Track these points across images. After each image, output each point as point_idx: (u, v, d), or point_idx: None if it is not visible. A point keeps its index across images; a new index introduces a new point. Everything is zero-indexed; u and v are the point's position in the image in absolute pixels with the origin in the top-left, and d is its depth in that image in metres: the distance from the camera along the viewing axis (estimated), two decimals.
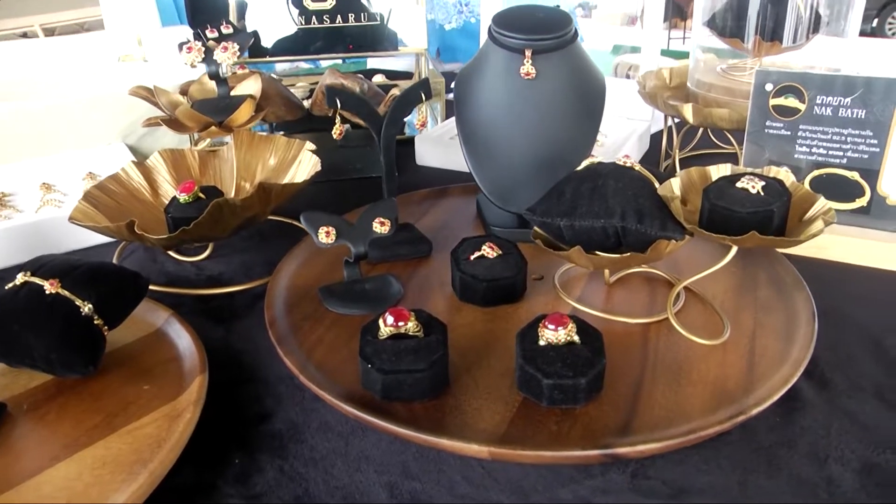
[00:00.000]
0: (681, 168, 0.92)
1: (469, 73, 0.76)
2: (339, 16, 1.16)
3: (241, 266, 0.78)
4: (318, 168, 0.73)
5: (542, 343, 0.52)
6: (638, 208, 0.58)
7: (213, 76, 0.78)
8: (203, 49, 0.77)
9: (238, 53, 0.77)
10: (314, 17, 1.14)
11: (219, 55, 0.77)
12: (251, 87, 0.81)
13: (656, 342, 0.59)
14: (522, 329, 0.54)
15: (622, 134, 1.07)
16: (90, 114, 0.97)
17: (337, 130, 0.69)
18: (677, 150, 0.95)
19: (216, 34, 1.13)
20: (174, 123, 0.77)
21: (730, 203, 0.55)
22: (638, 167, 0.61)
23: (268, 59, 1.20)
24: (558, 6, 0.79)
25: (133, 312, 0.63)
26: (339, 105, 0.69)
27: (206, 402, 0.54)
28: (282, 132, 1.00)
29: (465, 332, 0.62)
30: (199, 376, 0.56)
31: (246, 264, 0.78)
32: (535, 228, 0.65)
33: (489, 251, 0.66)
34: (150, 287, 0.72)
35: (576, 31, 0.73)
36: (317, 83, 0.96)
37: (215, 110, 0.77)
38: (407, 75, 1.20)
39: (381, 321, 0.54)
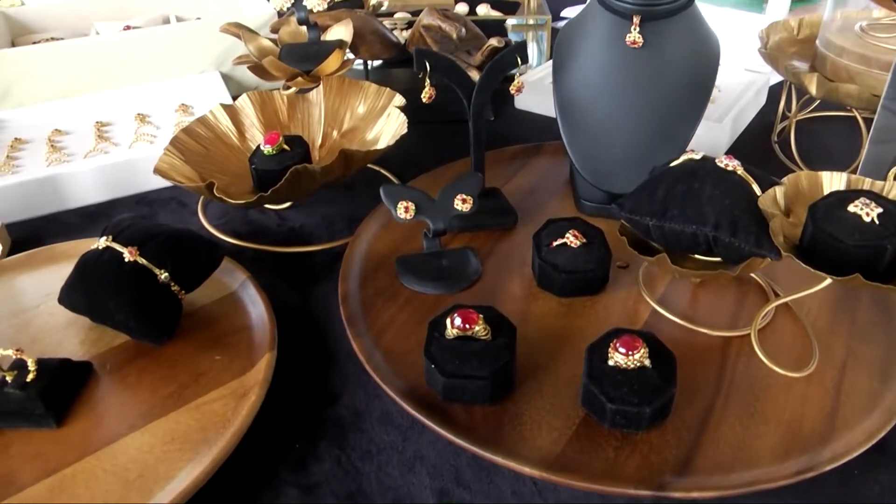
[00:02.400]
0: (797, 133, 0.84)
1: (571, 34, 0.70)
2: None
3: (323, 220, 0.78)
4: (405, 130, 0.71)
5: (611, 363, 0.50)
6: (733, 219, 0.53)
7: (303, 22, 0.75)
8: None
9: (325, 5, 0.74)
10: None
11: (308, 0, 0.74)
12: (342, 32, 0.78)
13: (735, 361, 0.56)
14: (593, 343, 0.52)
15: (737, 87, 0.97)
16: (186, 40, 0.97)
17: (426, 94, 0.66)
18: (795, 114, 0.86)
19: None
20: (261, 70, 0.75)
21: (837, 230, 0.50)
22: (740, 171, 0.55)
23: None
24: None
25: (222, 259, 0.64)
26: (427, 68, 0.65)
27: (275, 374, 0.56)
28: (377, 64, 0.98)
29: (538, 325, 0.60)
30: (268, 353, 0.57)
31: (328, 218, 0.78)
32: (623, 223, 0.61)
33: (573, 239, 0.62)
34: (231, 241, 0.74)
35: None
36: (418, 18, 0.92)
37: (303, 58, 0.75)
38: (513, 6, 1.13)
39: (448, 321, 0.53)
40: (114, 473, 0.50)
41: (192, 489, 0.48)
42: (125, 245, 0.58)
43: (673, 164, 0.58)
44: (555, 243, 0.63)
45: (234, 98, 0.81)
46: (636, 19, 0.63)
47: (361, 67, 1.00)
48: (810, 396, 0.52)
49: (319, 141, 0.80)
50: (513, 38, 1.12)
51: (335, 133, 0.80)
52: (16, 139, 0.86)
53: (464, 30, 0.83)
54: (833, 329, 0.59)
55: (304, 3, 0.74)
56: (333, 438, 0.54)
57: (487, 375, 0.51)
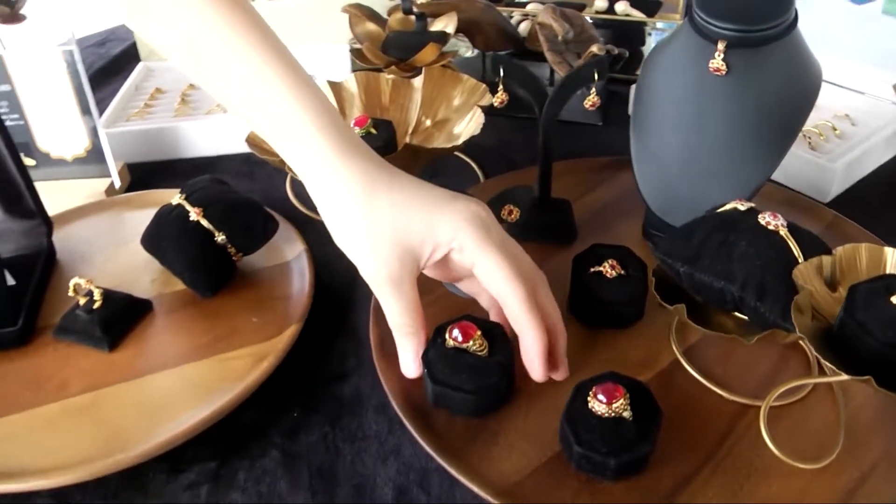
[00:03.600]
0: None
1: (659, 50, 0.67)
2: None
3: None
4: (477, 131, 0.71)
5: (590, 406, 0.49)
6: (761, 283, 0.50)
7: (407, 11, 0.78)
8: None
9: None
10: None
11: None
12: (446, 23, 0.79)
13: (743, 432, 0.52)
14: (581, 382, 0.51)
15: (877, 120, 0.87)
16: (327, 10, 1.02)
17: (498, 99, 0.66)
18: None
19: None
20: (360, 55, 0.79)
21: (869, 320, 0.44)
22: (783, 232, 0.51)
23: None
24: None
25: (277, 237, 0.70)
26: (501, 74, 0.65)
27: (299, 344, 0.60)
28: (492, 53, 0.98)
29: None
30: (295, 325, 0.61)
31: None
32: (658, 265, 0.58)
33: (609, 270, 0.61)
34: (305, 210, 0.79)
35: (794, 18, 0.60)
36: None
37: (404, 47, 0.78)
38: (655, 5, 1.08)
39: (447, 332, 0.54)
40: (137, 402, 0.57)
41: (190, 432, 0.53)
42: (193, 205, 0.64)
43: (719, 209, 0.55)
44: (592, 270, 0.61)
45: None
46: (721, 45, 0.59)
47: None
48: (812, 493, 0.48)
49: (411, 129, 0.82)
50: (654, 40, 1.07)
51: (428, 122, 0.82)
52: (157, 89, 0.96)
53: (571, 32, 0.82)
54: (876, 425, 0.53)
55: None
56: (328, 415, 0.57)
57: (472, 390, 0.52)
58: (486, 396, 0.53)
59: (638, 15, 1.07)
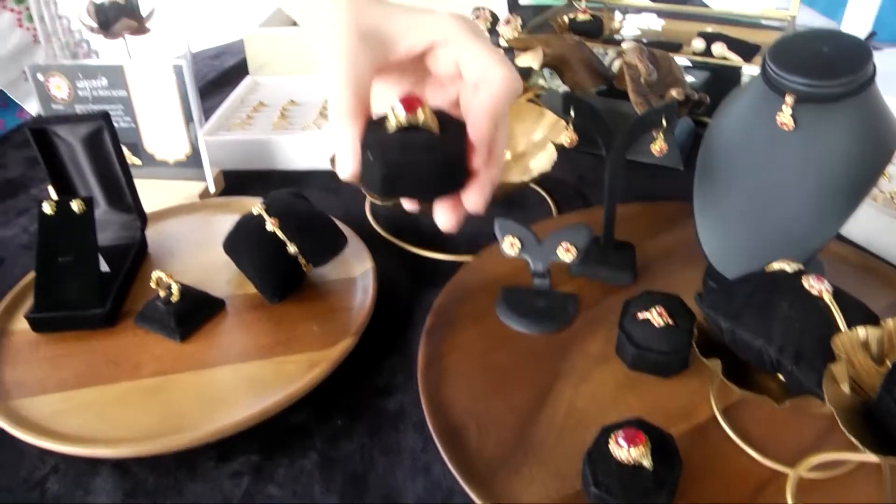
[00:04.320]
0: None
1: (733, 97, 0.67)
2: None
3: (471, 228, 0.81)
4: (548, 168, 0.73)
5: (611, 449, 0.50)
6: (799, 347, 0.50)
7: (495, 46, 0.81)
8: (490, 19, 0.79)
9: (520, 28, 0.78)
10: None
11: (501, 27, 0.79)
12: (530, 60, 0.82)
13: (771, 498, 0.51)
14: (609, 425, 0.52)
15: None
16: None
17: (568, 139, 0.68)
18: None
19: None
20: None
21: None
22: (827, 298, 0.51)
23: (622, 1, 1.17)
24: (873, 33, 0.63)
25: (348, 252, 0.74)
26: (572, 114, 0.67)
27: (354, 355, 0.64)
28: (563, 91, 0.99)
29: (594, 387, 0.61)
30: (349, 339, 0.65)
31: (475, 228, 0.82)
32: (702, 318, 0.58)
33: (657, 318, 0.61)
34: (376, 226, 0.82)
35: (872, 73, 0.58)
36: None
37: None
38: (753, 49, 1.06)
39: (389, 112, 0.44)
40: (198, 391, 0.62)
41: (241, 425, 0.57)
42: (271, 216, 0.69)
43: (767, 268, 0.55)
44: (640, 314, 0.62)
45: None
46: (789, 99, 0.58)
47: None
48: None
49: None
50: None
51: (508, 153, 0.85)
52: (260, 102, 1.03)
53: (655, 74, 0.82)
54: None
55: (498, 29, 0.79)
56: (369, 426, 0.60)
57: (431, 161, 0.44)
58: (447, 169, 0.45)
59: (734, 58, 1.06)
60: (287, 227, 0.69)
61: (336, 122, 0.45)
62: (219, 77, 1.22)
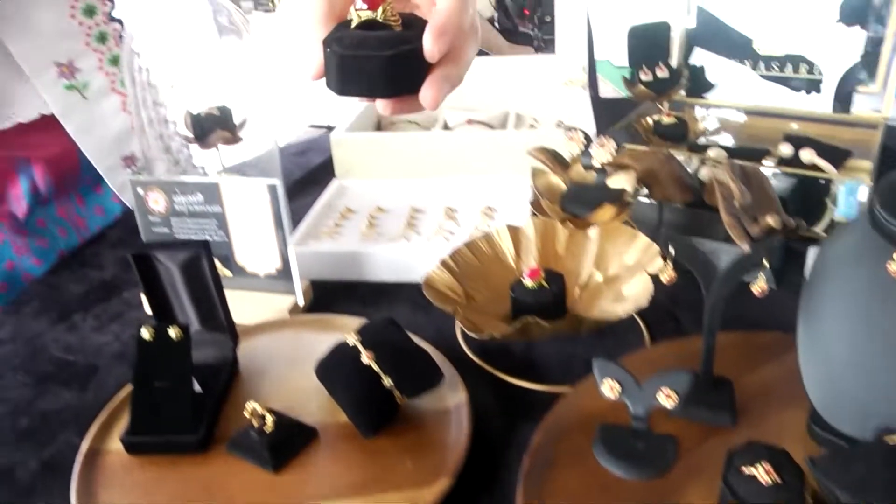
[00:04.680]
0: None
1: (837, 236, 0.64)
2: (787, 65, 1.06)
3: (565, 356, 0.81)
4: (644, 304, 0.72)
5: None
6: None
7: (588, 167, 0.80)
8: (584, 141, 0.79)
9: (614, 152, 0.78)
10: (762, 62, 1.07)
11: (594, 150, 0.79)
12: (625, 181, 0.81)
13: None
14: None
15: None
16: (511, 143, 1.07)
17: (667, 276, 0.66)
18: None
19: (650, 77, 1.13)
20: (538, 206, 0.82)
21: None
22: None
23: (706, 100, 1.16)
24: None
25: (440, 383, 0.73)
26: (672, 251, 0.66)
27: (450, 495, 0.62)
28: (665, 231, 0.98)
29: None
30: (445, 479, 0.63)
31: (569, 355, 0.81)
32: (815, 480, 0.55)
33: (763, 475, 0.58)
34: (469, 354, 0.82)
35: None
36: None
37: (582, 201, 0.80)
38: (843, 154, 1.03)
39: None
40: None
41: None
42: (366, 348, 0.69)
43: (887, 437, 0.51)
44: (745, 469, 0.59)
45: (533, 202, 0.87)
46: None
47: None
48: None
49: (584, 279, 0.84)
50: (840, 195, 1.03)
51: (600, 276, 0.83)
52: (347, 208, 1.05)
53: (749, 198, 0.80)
54: None
55: (591, 151, 0.78)
56: None
57: (386, 54, 0.45)
58: (404, 62, 0.45)
59: (824, 166, 1.03)
60: (382, 360, 0.68)
61: (305, 25, 0.47)
62: (305, 176, 1.24)
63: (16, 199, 1.12)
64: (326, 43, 0.46)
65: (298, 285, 0.88)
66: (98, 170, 1.17)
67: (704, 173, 1.03)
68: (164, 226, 0.90)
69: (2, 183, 1.11)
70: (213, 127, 0.99)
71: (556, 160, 0.90)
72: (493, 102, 1.27)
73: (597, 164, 0.81)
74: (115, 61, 1.16)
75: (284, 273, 0.88)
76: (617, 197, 0.80)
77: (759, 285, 0.65)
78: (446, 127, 1.24)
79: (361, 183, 1.11)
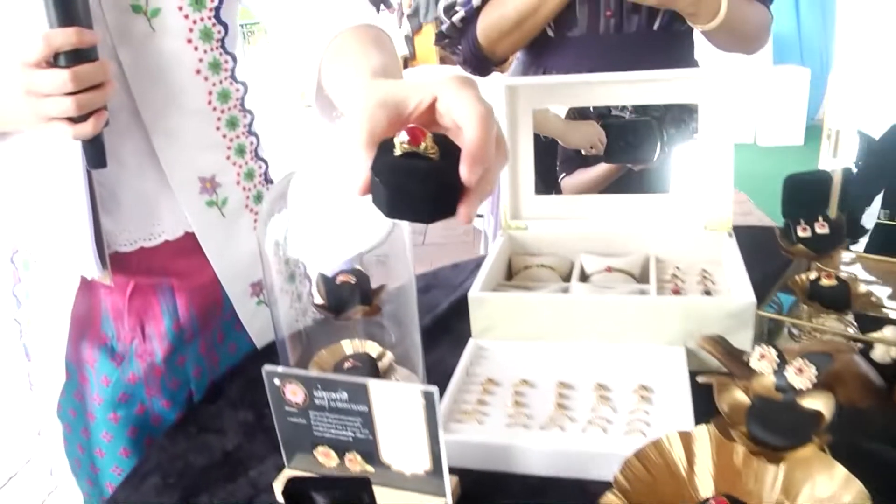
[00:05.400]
0: None
1: None
2: None
3: None
4: None
5: None
6: None
7: (780, 389, 0.71)
8: (777, 361, 0.70)
9: (814, 379, 0.69)
10: None
11: (790, 376, 0.70)
12: (824, 406, 0.71)
13: None
14: None
15: None
16: (661, 309, 0.99)
17: None
18: None
19: (808, 233, 1.04)
20: (721, 425, 0.73)
21: None
22: None
23: (873, 257, 1.06)
24: None
25: None
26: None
27: None
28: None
29: None
30: None
31: None
32: None
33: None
34: None
35: None
36: None
37: (771, 426, 0.70)
38: None
39: (394, 139, 0.58)
40: None
41: None
42: None
43: None
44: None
45: (693, 374, 0.82)
46: None
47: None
48: None
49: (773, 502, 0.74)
50: None
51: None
52: (489, 379, 0.98)
53: None
54: None
55: (786, 375, 0.70)
56: None
57: (428, 190, 0.56)
58: (444, 192, 0.55)
59: None
60: None
61: (352, 148, 0.60)
62: (433, 325, 1.17)
63: (158, 336, 1.09)
64: (375, 171, 0.56)
65: (448, 487, 0.81)
66: (230, 297, 1.13)
67: (879, 354, 0.92)
68: (301, 417, 0.85)
69: (145, 316, 1.08)
70: (350, 296, 0.94)
71: (731, 354, 0.82)
72: (630, 243, 1.19)
73: (782, 384, 0.72)
74: (250, 175, 1.13)
75: (434, 473, 0.81)
76: (814, 423, 0.71)
77: None
78: (584, 273, 1.17)
79: (500, 346, 1.04)
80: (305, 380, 0.83)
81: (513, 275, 1.23)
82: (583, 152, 1.35)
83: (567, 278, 1.19)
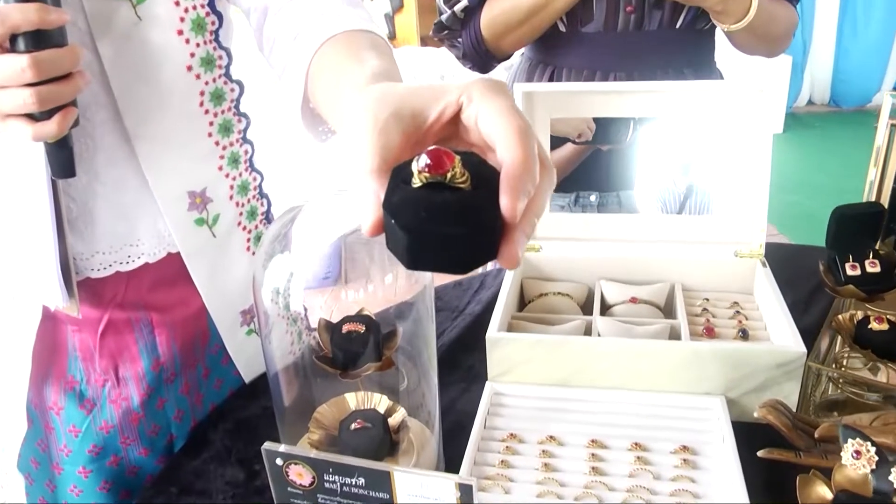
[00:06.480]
0: None
1: None
2: None
3: None
4: None
5: None
6: None
7: (879, 492, 0.63)
8: (875, 458, 0.62)
9: (875, 464, 0.61)
10: None
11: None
12: None
13: None
14: None
15: None
16: (699, 357, 0.90)
17: None
18: None
19: (857, 270, 0.96)
20: None
21: None
22: None
23: None
24: None
25: None
26: None
27: None
28: None
29: None
30: None
31: None
32: None
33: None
34: None
35: None
36: None
37: None
38: None
39: (413, 165, 0.44)
40: None
41: None
42: None
43: None
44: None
45: (734, 423, 0.78)
46: None
47: None
48: None
49: None
50: None
51: None
52: (511, 434, 0.88)
53: None
54: None
55: (893, 480, 0.61)
56: None
57: (462, 230, 0.42)
58: (479, 232, 0.41)
59: None
60: None
61: (358, 174, 0.46)
62: (438, 362, 1.07)
63: (135, 379, 0.96)
64: (390, 210, 0.42)
65: None
66: (218, 329, 1.00)
67: None
68: (307, 499, 0.74)
69: (119, 356, 0.95)
70: (358, 349, 0.82)
71: (797, 429, 0.73)
72: (652, 268, 1.09)
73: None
74: (244, 189, 1.00)
75: None
76: None
77: None
78: (604, 304, 1.07)
79: (521, 392, 0.94)
80: (315, 463, 0.72)
81: (526, 302, 1.12)
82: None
83: (585, 307, 1.10)
